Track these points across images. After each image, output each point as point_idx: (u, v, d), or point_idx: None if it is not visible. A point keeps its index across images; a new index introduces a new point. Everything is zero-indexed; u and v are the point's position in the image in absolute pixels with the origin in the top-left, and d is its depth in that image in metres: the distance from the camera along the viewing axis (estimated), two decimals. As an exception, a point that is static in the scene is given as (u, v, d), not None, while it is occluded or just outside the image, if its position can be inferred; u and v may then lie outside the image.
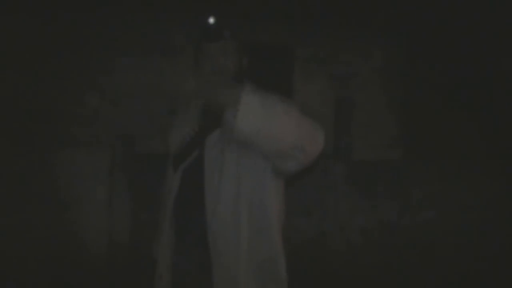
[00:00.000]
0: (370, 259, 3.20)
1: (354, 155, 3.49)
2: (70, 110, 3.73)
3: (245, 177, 1.41)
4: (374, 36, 4.22)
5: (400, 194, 3.33)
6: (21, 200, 2.86)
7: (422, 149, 4.11)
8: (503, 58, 3.57)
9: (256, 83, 1.58)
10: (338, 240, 3.25)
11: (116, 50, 3.80)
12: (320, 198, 3.24)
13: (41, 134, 3.59)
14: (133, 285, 1.73)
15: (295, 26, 4.03)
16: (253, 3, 3.55)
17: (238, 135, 1.28)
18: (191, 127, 1.51)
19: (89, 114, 3.77)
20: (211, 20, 1.46)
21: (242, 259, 1.39)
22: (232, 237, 1.39)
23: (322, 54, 4.23)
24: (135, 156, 3.12)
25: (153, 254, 1.67)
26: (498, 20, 3.45)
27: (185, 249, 1.45)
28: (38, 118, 3.64)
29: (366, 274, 3.14)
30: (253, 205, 1.41)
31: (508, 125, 3.54)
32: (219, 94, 1.30)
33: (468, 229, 3.24)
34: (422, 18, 3.79)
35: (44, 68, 3.68)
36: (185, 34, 3.89)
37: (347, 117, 3.55)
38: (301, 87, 4.19)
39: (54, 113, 3.68)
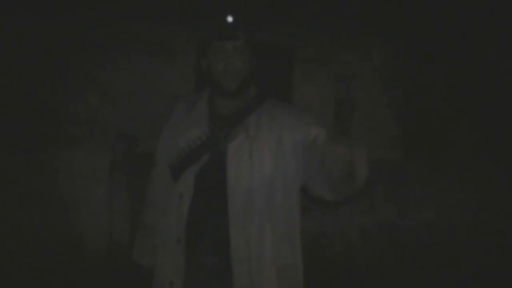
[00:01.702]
0: (370, 259, 3.20)
1: (354, 155, 3.48)
2: (70, 110, 3.73)
3: (271, 185, 1.41)
4: (374, 36, 4.22)
5: (400, 194, 3.33)
6: (20, 200, 2.86)
7: (422, 149, 4.11)
8: (503, 58, 3.57)
9: (256, 83, 1.58)
10: (338, 240, 3.25)
11: (116, 50, 3.80)
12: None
13: (40, 134, 3.59)
14: (133, 285, 1.72)
15: (295, 26, 4.02)
16: (253, 3, 3.55)
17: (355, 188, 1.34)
18: (201, 131, 1.45)
19: (89, 114, 3.77)
20: (229, 19, 1.44)
21: (265, 265, 1.38)
22: (256, 245, 1.38)
23: (322, 54, 4.23)
24: (135, 156, 3.12)
25: (136, 257, 1.64)
26: (498, 20, 3.45)
27: (198, 255, 1.42)
28: (37, 118, 3.63)
29: (366, 274, 3.14)
30: (278, 212, 1.41)
31: (508, 125, 3.54)
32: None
33: (468, 229, 3.24)
34: (422, 18, 3.79)
35: (44, 68, 3.68)
36: (185, 35, 3.89)
37: (348, 117, 3.55)
38: (301, 87, 4.18)
39: (54, 113, 3.68)
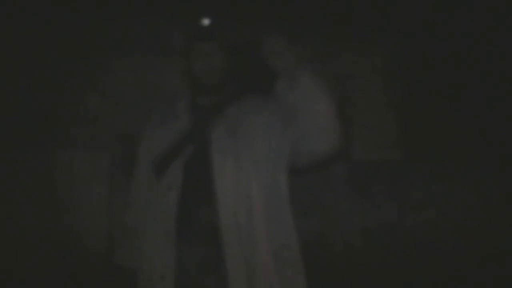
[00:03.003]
0: (370, 259, 3.20)
1: (354, 155, 3.49)
2: (70, 110, 3.73)
3: (258, 168, 1.44)
4: (374, 36, 4.21)
5: (400, 194, 3.33)
6: (20, 200, 2.86)
7: (422, 149, 4.11)
8: (503, 58, 3.57)
9: (256, 82, 1.59)
10: (338, 240, 3.25)
11: (116, 50, 3.80)
12: (320, 198, 3.24)
13: (41, 134, 3.59)
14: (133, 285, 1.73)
15: (295, 26, 4.02)
16: (252, 3, 3.55)
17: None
18: (183, 123, 1.51)
19: (89, 114, 3.76)
20: (204, 20, 1.50)
21: (258, 249, 1.40)
22: (246, 228, 1.40)
23: (322, 54, 4.22)
24: (135, 156, 3.12)
25: (119, 260, 1.65)
26: (498, 20, 3.44)
27: (189, 246, 1.43)
28: (38, 118, 3.63)
29: (366, 274, 3.14)
30: (268, 194, 1.44)
31: (508, 125, 3.53)
32: None
33: (468, 229, 3.24)
34: (422, 18, 3.79)
35: (44, 68, 3.68)
36: (185, 35, 3.89)
37: (347, 117, 3.55)
38: (301, 87, 4.18)
39: (54, 113, 3.68)
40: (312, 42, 4.28)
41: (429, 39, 4.01)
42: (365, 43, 4.27)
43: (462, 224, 3.24)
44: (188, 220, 1.43)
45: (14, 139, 3.48)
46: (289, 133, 1.44)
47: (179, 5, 3.68)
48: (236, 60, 1.55)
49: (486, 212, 3.25)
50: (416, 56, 4.20)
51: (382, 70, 4.33)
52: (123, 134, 3.26)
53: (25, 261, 2.81)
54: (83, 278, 2.89)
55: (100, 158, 3.03)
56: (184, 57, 1.58)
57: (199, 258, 1.42)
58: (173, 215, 1.42)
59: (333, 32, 4.13)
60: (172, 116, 1.56)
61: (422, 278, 3.15)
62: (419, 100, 4.24)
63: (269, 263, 1.40)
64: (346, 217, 3.24)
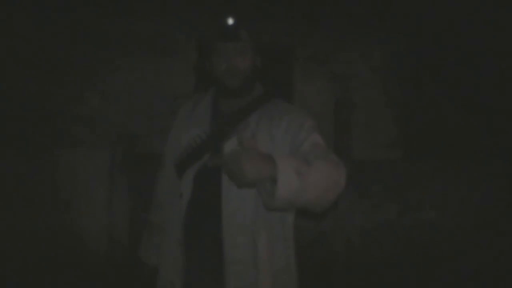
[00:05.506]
0: (370, 259, 3.20)
1: (354, 155, 3.49)
2: (70, 110, 3.73)
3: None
4: (374, 36, 4.22)
5: (400, 194, 3.33)
6: (20, 200, 2.85)
7: (422, 149, 4.12)
8: (503, 58, 3.58)
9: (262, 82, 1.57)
10: (338, 240, 3.25)
11: (116, 50, 3.80)
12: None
13: (41, 134, 3.59)
14: (133, 285, 1.73)
15: (295, 26, 4.03)
16: (253, 3, 3.55)
17: (276, 205, 1.21)
18: (202, 130, 1.43)
19: (89, 114, 3.77)
20: (229, 20, 1.42)
21: (260, 268, 1.36)
22: (249, 246, 1.36)
23: (322, 54, 4.23)
24: (135, 156, 3.12)
25: (142, 256, 1.64)
26: (498, 20, 3.45)
27: (197, 255, 1.41)
28: (38, 118, 3.63)
29: (366, 274, 3.14)
30: (272, 214, 1.38)
31: (508, 125, 3.54)
32: (250, 173, 1.15)
33: (468, 229, 3.24)
34: (422, 18, 3.79)
35: (44, 68, 3.68)
36: (185, 34, 3.89)
37: (347, 117, 3.55)
38: (301, 87, 4.19)
39: (54, 112, 3.68)
40: (312, 42, 4.29)
41: (428, 40, 4.02)
42: (364, 43, 4.28)
43: (460, 224, 3.24)
44: (197, 230, 1.40)
45: (14, 138, 3.48)
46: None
47: (180, 6, 3.68)
48: (260, 62, 1.47)
49: (485, 211, 3.26)
50: (416, 56, 4.21)
51: (382, 70, 4.34)
52: (123, 134, 3.26)
53: (26, 260, 2.81)
54: (83, 278, 2.89)
55: (100, 158, 3.02)
56: (204, 57, 1.49)
57: (208, 268, 1.40)
58: (182, 223, 1.40)
59: (333, 32, 4.14)
60: (193, 119, 1.49)
61: (421, 276, 3.16)
62: (419, 100, 4.25)
63: (268, 284, 1.36)
64: (346, 216, 3.24)
